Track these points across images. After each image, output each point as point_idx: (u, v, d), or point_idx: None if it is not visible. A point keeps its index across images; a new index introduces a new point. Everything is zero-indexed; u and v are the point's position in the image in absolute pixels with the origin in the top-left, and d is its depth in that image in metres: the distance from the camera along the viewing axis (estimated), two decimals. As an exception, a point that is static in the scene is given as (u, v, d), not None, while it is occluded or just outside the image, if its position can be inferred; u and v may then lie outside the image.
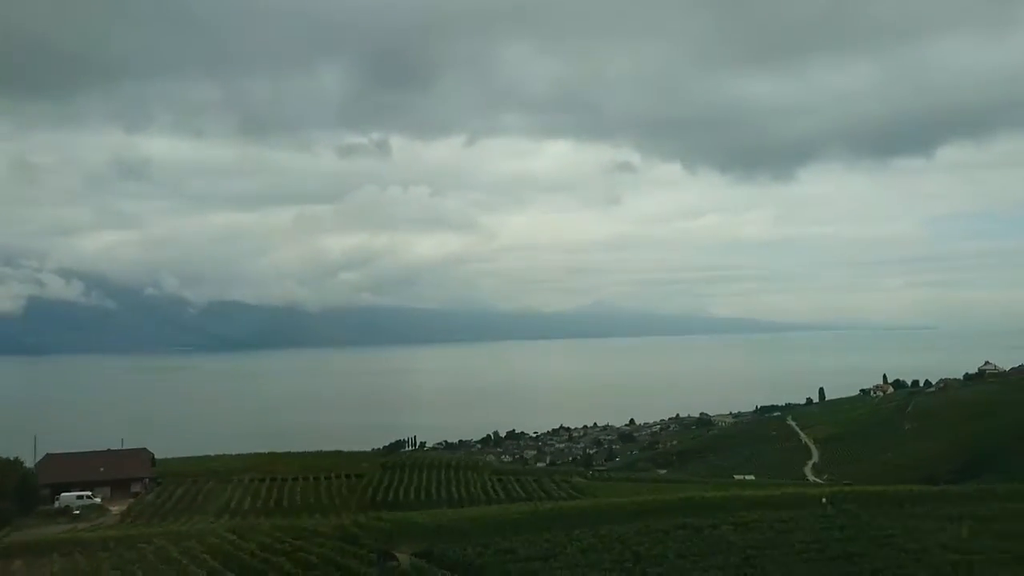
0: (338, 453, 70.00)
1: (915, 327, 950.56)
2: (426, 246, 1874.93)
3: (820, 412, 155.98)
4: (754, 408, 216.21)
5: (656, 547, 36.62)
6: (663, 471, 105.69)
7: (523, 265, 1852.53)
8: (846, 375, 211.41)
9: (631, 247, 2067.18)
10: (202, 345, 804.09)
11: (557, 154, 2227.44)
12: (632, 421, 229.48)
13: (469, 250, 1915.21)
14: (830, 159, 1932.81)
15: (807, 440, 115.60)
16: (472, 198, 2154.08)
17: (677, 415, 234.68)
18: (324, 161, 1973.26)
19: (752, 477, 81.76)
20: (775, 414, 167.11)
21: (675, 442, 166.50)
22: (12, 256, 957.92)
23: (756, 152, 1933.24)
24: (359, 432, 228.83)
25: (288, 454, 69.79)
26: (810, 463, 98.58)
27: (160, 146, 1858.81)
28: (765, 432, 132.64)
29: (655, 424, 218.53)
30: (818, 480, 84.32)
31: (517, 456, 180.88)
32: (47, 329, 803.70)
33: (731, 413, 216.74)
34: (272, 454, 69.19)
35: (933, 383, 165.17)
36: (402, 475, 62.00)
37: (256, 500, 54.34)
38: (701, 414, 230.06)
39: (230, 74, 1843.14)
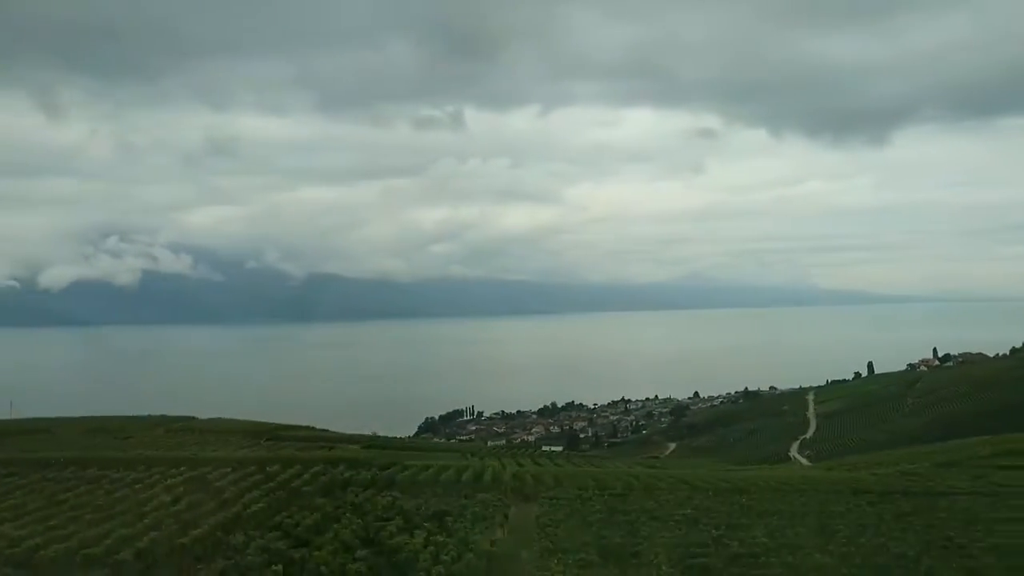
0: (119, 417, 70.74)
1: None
2: (514, 218, 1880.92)
3: (850, 386, 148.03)
4: (825, 382, 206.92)
5: None
6: (673, 444, 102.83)
7: (613, 236, 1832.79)
8: (926, 348, 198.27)
9: (724, 216, 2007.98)
10: (301, 316, 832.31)
11: (635, 122, 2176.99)
12: (696, 394, 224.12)
13: (557, 221, 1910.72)
14: (927, 120, 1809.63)
15: (810, 415, 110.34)
16: (553, 169, 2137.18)
17: (746, 388, 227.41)
18: (401, 135, 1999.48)
19: (559, 449, 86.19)
20: (801, 388, 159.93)
21: (699, 416, 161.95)
22: (127, 232, 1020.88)
23: (846, 115, 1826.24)
24: (423, 400, 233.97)
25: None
26: (800, 438, 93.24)
27: (246, 124, 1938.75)
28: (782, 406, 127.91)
29: (718, 397, 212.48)
30: (798, 456, 79.34)
31: (567, 427, 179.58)
32: (160, 301, 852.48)
33: (800, 387, 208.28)
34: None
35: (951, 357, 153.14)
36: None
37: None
38: (770, 387, 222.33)
39: (303, 51, 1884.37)
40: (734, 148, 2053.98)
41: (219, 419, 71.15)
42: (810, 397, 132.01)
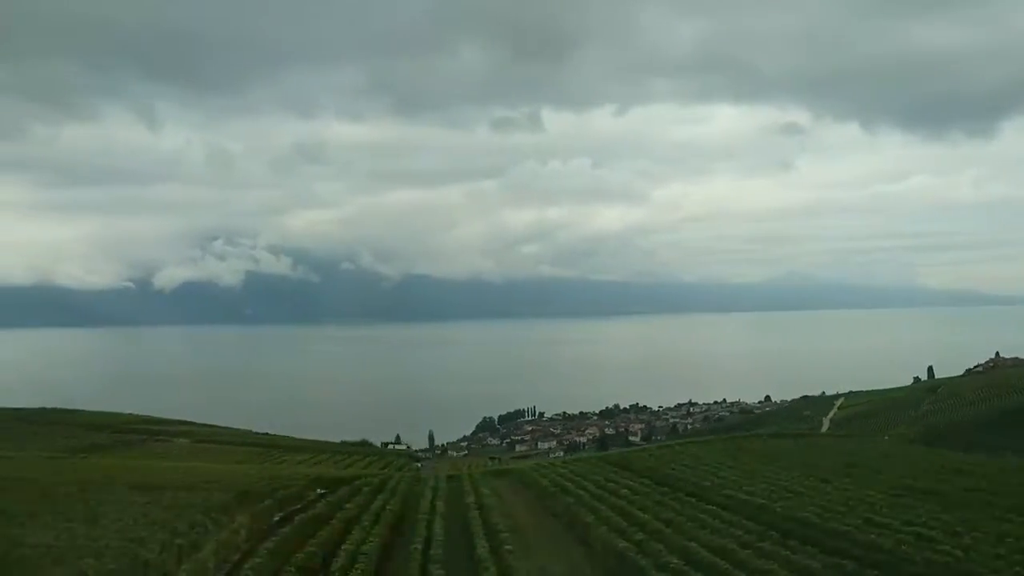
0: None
1: None
2: (603, 218, 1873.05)
3: (878, 391, 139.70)
4: (913, 380, 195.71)
5: None
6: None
7: (706, 235, 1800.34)
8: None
9: (821, 214, 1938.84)
10: (395, 316, 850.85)
11: (718, 119, 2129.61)
12: (768, 397, 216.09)
13: (648, 221, 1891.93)
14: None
15: (826, 419, 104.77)
16: (638, 168, 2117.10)
17: (822, 392, 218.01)
18: (479, 137, 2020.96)
19: (404, 446, 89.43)
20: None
21: (735, 419, 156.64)
22: (231, 235, 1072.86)
23: (946, 107, 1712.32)
24: (494, 399, 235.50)
25: None
26: None
27: (330, 130, 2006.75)
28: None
29: (789, 401, 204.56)
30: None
31: (622, 429, 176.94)
32: (262, 301, 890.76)
33: (879, 389, 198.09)
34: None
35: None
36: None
37: None
38: (849, 391, 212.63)
39: (378, 57, 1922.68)
40: (825, 143, 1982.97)
41: (100, 412, 74.71)
42: (837, 401, 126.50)
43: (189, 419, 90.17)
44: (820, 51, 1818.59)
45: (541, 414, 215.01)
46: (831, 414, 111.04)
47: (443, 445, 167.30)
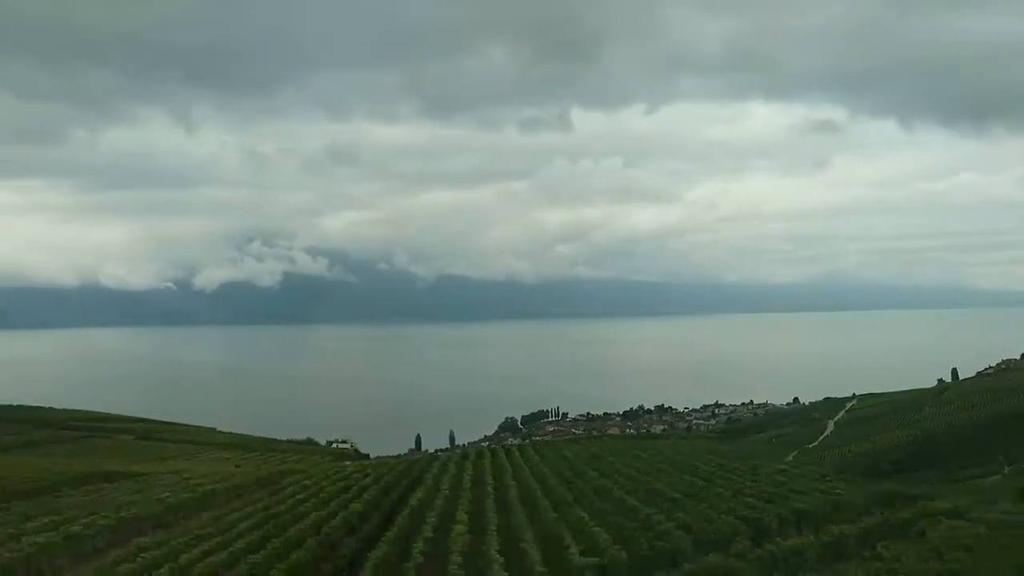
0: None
1: None
2: (638, 218, 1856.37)
3: (888, 394, 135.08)
4: (938, 381, 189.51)
5: None
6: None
7: (743, 235, 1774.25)
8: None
9: (862, 213, 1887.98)
10: (430, 316, 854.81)
11: (751, 117, 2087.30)
12: (796, 399, 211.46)
13: (684, 221, 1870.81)
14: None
15: (831, 423, 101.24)
16: (671, 167, 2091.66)
17: (852, 394, 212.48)
18: (508, 138, 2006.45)
19: (347, 444, 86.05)
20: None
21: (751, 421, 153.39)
22: (269, 236, 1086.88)
23: (986, 102, 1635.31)
24: (512, 400, 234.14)
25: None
26: (801, 447, 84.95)
27: (362, 132, 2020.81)
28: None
29: (810, 404, 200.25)
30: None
31: (644, 430, 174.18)
32: (300, 301, 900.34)
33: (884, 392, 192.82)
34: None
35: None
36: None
37: None
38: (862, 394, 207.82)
39: (406, 58, 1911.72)
40: (862, 141, 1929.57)
41: (61, 409, 77.30)
42: (847, 404, 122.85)
43: (189, 420, 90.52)
44: (854, 47, 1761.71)
45: (564, 415, 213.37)
46: (838, 416, 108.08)
47: (463, 445, 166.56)
